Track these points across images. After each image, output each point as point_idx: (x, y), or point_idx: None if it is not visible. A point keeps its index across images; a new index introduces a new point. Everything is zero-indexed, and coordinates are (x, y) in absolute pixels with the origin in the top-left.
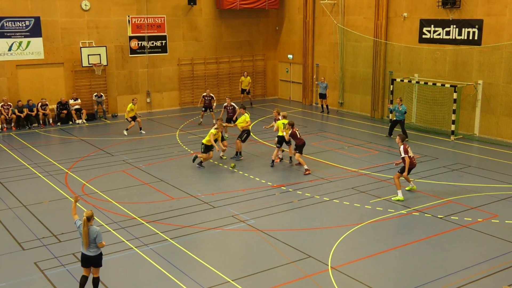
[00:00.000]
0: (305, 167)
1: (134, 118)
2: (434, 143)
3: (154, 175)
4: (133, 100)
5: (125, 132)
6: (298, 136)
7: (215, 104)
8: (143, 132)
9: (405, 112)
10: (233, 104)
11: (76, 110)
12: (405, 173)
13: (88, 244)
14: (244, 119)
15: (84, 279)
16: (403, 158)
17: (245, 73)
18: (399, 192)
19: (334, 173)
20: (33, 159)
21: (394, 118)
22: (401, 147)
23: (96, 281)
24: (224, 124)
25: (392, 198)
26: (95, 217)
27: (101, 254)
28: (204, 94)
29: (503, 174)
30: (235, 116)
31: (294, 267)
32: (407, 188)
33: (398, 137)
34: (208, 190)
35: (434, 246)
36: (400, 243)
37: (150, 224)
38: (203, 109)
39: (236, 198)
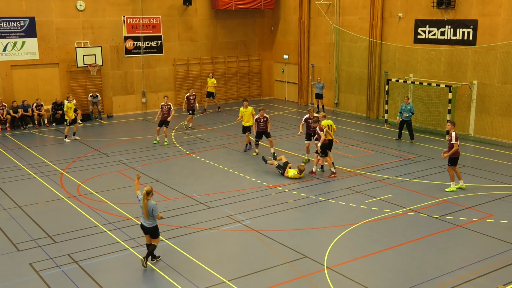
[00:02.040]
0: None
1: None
2: (429, 143)
3: (149, 175)
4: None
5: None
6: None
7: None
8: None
9: (413, 112)
10: (266, 116)
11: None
12: (447, 154)
13: (148, 216)
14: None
15: (149, 245)
16: (452, 144)
17: (211, 74)
18: (453, 184)
19: (330, 173)
20: (28, 160)
21: (401, 119)
22: (453, 133)
23: (153, 248)
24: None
25: (446, 190)
26: (91, 218)
27: (157, 226)
28: (188, 94)
29: (498, 174)
30: (268, 129)
31: (290, 267)
32: (456, 186)
33: (449, 123)
34: (204, 190)
35: (430, 246)
36: (396, 243)
37: None
38: (190, 111)
39: (232, 198)
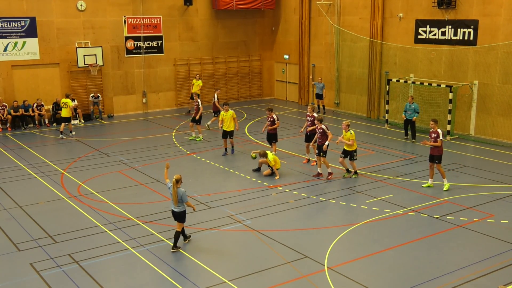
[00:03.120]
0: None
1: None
2: None
3: (150, 175)
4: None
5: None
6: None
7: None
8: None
9: (418, 111)
10: (274, 116)
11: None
12: (429, 143)
13: (177, 202)
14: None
15: (177, 233)
16: (437, 141)
17: (198, 75)
18: (445, 180)
19: (328, 174)
20: (28, 160)
21: (405, 117)
22: (439, 130)
23: (177, 234)
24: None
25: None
26: (92, 218)
27: (185, 211)
28: (215, 95)
29: (499, 174)
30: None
31: (291, 267)
32: (424, 185)
33: (433, 122)
34: (205, 190)
35: (430, 246)
36: (396, 243)
37: (146, 225)
38: (215, 114)
39: (232, 198)
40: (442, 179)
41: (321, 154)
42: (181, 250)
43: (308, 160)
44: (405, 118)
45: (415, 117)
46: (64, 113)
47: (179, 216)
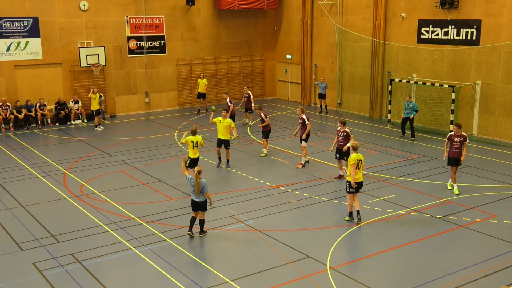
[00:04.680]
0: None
1: None
2: (432, 143)
3: (152, 175)
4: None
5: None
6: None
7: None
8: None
9: (417, 110)
10: (249, 92)
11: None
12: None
13: (199, 192)
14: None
15: (193, 219)
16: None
17: (202, 74)
18: (455, 185)
19: (333, 173)
20: (31, 160)
21: (404, 116)
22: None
23: (202, 222)
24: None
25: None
26: (94, 218)
27: (206, 200)
28: (244, 92)
29: (501, 174)
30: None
31: (293, 267)
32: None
33: (456, 126)
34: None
35: (433, 246)
36: (399, 243)
37: (148, 225)
38: (246, 110)
39: (234, 198)
40: (450, 181)
41: (344, 158)
42: (183, 250)
43: (306, 163)
44: (403, 117)
45: (412, 115)
46: (93, 106)
47: (202, 206)
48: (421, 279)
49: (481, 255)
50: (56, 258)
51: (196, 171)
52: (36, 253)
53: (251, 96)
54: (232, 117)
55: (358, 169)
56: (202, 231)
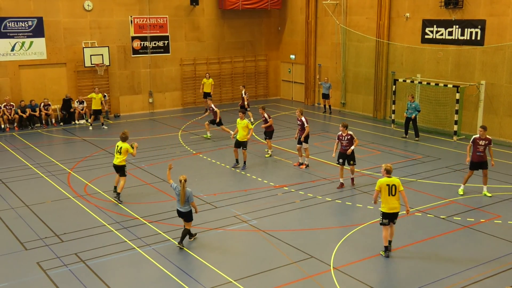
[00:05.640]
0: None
1: None
2: (436, 143)
3: (156, 175)
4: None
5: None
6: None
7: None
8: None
9: (419, 110)
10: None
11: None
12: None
13: (184, 202)
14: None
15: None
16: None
17: (207, 74)
18: (485, 187)
19: (336, 173)
20: (35, 159)
21: (407, 116)
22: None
23: (186, 231)
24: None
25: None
26: (98, 218)
27: (191, 211)
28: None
29: (506, 175)
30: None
31: (296, 267)
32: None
33: (482, 128)
34: (210, 190)
35: (437, 246)
36: (403, 243)
37: (152, 224)
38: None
39: (238, 198)
40: (462, 183)
41: (351, 162)
42: (185, 249)
43: (301, 164)
44: (406, 116)
45: (414, 115)
46: (94, 105)
47: (187, 216)
48: (425, 279)
49: (485, 256)
50: (60, 257)
51: (183, 180)
52: (40, 252)
53: (244, 95)
54: (214, 121)
55: (393, 195)
56: (190, 235)
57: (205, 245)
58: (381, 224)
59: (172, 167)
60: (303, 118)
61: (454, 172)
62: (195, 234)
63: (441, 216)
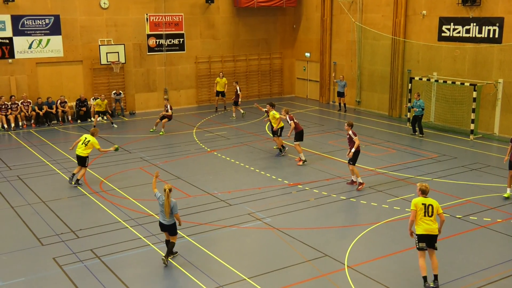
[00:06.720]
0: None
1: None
2: (453, 142)
3: (171, 172)
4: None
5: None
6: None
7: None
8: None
9: (423, 108)
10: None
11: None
12: None
13: (169, 214)
14: (273, 116)
15: (167, 242)
16: None
17: (221, 73)
18: (508, 189)
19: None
20: (52, 156)
21: (414, 114)
22: None
23: (171, 244)
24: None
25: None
26: (114, 214)
27: (175, 223)
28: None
29: None
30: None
31: (310, 265)
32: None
33: None
34: (225, 187)
35: (452, 246)
36: None
37: None
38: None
39: (252, 196)
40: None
41: (350, 162)
42: (201, 247)
43: (302, 160)
44: (413, 114)
45: (415, 111)
46: (98, 108)
47: (171, 229)
48: (440, 279)
49: (502, 256)
50: (76, 253)
51: (167, 189)
52: (56, 248)
53: (239, 91)
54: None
55: (430, 216)
56: (169, 254)
57: (219, 243)
58: (418, 248)
59: (158, 175)
60: (287, 117)
61: (470, 171)
62: (176, 252)
63: (457, 216)
